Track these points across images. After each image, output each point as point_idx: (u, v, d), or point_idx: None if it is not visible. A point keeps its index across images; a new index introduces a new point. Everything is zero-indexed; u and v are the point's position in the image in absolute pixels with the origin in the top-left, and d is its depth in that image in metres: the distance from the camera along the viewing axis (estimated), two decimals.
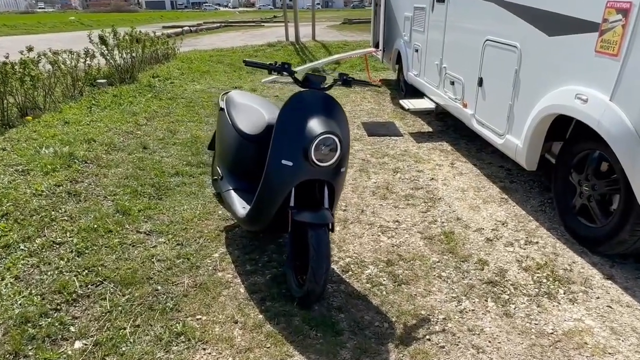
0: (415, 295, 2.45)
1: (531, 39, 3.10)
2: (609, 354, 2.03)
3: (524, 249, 2.88)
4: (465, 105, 4.31)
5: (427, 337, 2.14)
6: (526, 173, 4.06)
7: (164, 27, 20.95)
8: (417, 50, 5.85)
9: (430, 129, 5.57)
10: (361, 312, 2.32)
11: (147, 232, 3.08)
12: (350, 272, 2.67)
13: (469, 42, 4.15)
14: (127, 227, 3.12)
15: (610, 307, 2.35)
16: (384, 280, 2.59)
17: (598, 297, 2.42)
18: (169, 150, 4.60)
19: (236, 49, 11.31)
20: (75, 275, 2.55)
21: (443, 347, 2.08)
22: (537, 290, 2.49)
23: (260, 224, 2.51)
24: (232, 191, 2.86)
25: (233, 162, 2.94)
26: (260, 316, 2.28)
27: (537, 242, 2.96)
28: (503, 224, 3.21)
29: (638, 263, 2.70)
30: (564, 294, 2.46)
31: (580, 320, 2.25)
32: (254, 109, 2.99)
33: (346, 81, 2.47)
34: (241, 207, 2.68)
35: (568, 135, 3.11)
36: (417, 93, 6.32)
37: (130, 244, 2.91)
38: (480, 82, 3.92)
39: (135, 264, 2.69)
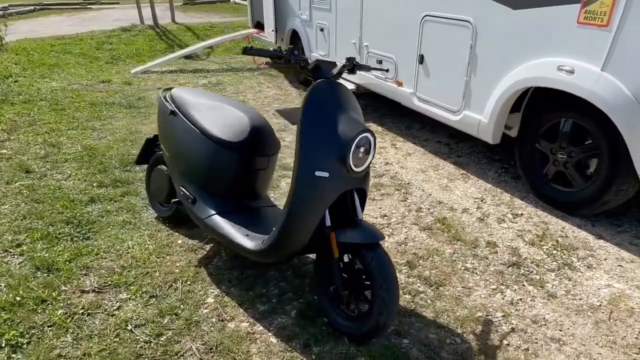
0: (459, 296, 2.26)
1: (489, 14, 3.08)
2: None
3: (516, 223, 2.92)
4: (400, 84, 4.22)
5: (505, 341, 1.97)
6: (466, 146, 4.19)
7: None
8: (322, 30, 5.57)
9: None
10: (423, 331, 2.03)
11: (97, 290, 2.27)
12: None
13: (400, 19, 4.03)
14: (65, 288, 2.26)
15: (621, 265, 2.49)
16: (419, 286, 2.34)
17: (605, 259, 2.56)
18: (63, 171, 3.55)
19: (83, 36, 9.46)
20: None
21: (527, 349, 1.93)
22: (555, 263, 2.52)
23: (285, 255, 2.00)
24: (216, 217, 2.25)
25: (209, 178, 2.32)
26: None
27: (522, 214, 3.03)
28: (482, 201, 3.21)
29: (609, 218, 2.95)
30: (578, 261, 2.54)
31: (610, 286, 2.33)
32: (225, 109, 2.38)
33: (354, 67, 2.07)
34: (243, 235, 2.12)
35: (524, 107, 3.23)
36: None
37: (83, 313, 2.10)
38: (422, 60, 3.85)
39: (107, 342, 1.94)
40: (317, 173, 1.81)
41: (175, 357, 1.88)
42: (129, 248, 2.62)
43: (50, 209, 2.95)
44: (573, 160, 2.88)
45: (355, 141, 1.81)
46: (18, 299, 2.13)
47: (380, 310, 1.79)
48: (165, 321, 2.07)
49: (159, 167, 2.85)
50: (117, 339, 1.96)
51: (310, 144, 1.82)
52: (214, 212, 2.28)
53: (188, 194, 2.38)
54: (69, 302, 2.16)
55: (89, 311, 2.11)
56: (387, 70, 2.30)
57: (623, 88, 2.37)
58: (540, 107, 3.06)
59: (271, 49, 1.93)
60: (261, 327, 2.05)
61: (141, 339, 1.96)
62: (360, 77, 4.92)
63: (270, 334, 2.02)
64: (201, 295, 2.25)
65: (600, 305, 2.19)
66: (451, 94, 3.57)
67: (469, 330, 2.04)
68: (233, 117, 2.34)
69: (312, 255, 2.42)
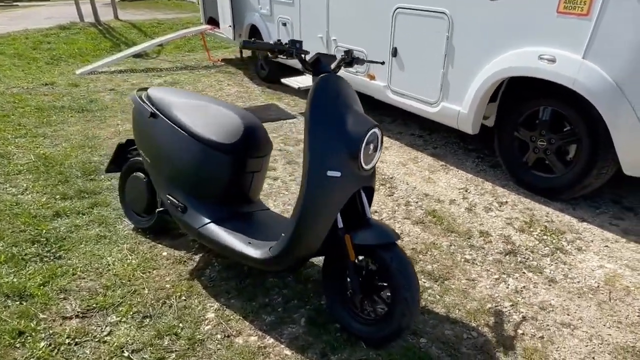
0: (465, 289, 2.25)
1: (466, 4, 3.10)
2: None
3: (503, 211, 2.97)
4: (372, 78, 4.18)
5: (519, 331, 1.98)
6: (439, 137, 4.23)
7: None
8: (284, 24, 5.42)
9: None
10: (438, 328, 2.00)
11: (81, 315, 2.05)
12: None
13: (371, 12, 3.98)
14: (43, 316, 2.01)
15: (607, 246, 2.59)
16: (425, 282, 2.30)
17: (592, 240, 2.65)
18: (17, 184, 3.20)
19: (16, 36, 8.67)
20: None
21: (542, 336, 1.95)
22: (548, 248, 2.58)
23: (295, 261, 1.88)
24: (212, 225, 2.10)
25: (200, 183, 2.16)
26: None
27: (506, 202, 3.08)
28: (466, 191, 3.24)
29: (587, 200, 3.07)
30: (568, 245, 2.61)
31: (603, 267, 2.41)
32: (212, 109, 2.22)
33: (352, 60, 1.99)
34: (245, 243, 1.98)
35: (500, 97, 3.29)
36: (285, 70, 5.95)
37: (70, 342, 1.88)
38: (395, 52, 3.83)
39: None
40: (329, 173, 1.71)
41: None
42: (110, 265, 2.39)
43: (10, 228, 2.65)
44: (553, 147, 2.97)
45: (366, 138, 1.73)
46: None
47: (403, 312, 1.72)
48: (166, 343, 1.90)
49: (135, 174, 2.62)
50: None
51: (320, 143, 1.71)
52: (208, 220, 2.12)
53: (177, 202, 2.20)
54: (51, 331, 1.93)
55: (76, 340, 1.89)
56: (382, 63, 2.24)
57: (605, 75, 2.45)
58: (519, 96, 3.12)
59: (270, 42, 1.79)
60: (272, 340, 1.93)
61: None
62: None
63: (282, 346, 1.90)
64: (200, 311, 2.09)
65: (598, 286, 2.26)
66: (428, 86, 3.58)
67: (482, 322, 2.03)
68: (222, 116, 2.18)
69: (313, 259, 2.32)
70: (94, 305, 2.10)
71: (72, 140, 4.07)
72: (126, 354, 1.84)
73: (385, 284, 1.86)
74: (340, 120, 1.73)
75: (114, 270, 2.35)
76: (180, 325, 2.00)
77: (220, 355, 1.84)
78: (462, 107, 3.33)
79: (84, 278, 2.29)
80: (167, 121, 2.21)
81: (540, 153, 3.05)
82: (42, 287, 2.19)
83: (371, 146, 1.77)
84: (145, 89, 2.49)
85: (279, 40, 1.82)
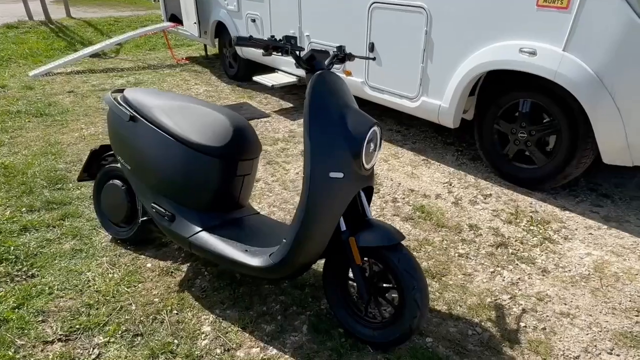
0: (463, 284, 2.24)
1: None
2: (635, 274, 2.29)
3: (489, 204, 3.00)
4: (348, 74, 4.13)
5: (521, 324, 1.99)
6: (417, 132, 4.25)
7: None
8: (254, 21, 5.29)
9: (291, 104, 5.22)
10: (442, 326, 1.98)
11: (64, 338, 1.89)
12: None
13: (345, 7, 3.92)
14: (21, 342, 1.84)
15: (591, 233, 2.66)
16: None
17: (576, 229, 2.71)
18: None
19: None
20: None
21: (544, 328, 1.96)
22: (536, 238, 2.61)
23: (299, 268, 1.80)
24: (204, 233, 1.98)
25: (189, 190, 2.04)
26: None
27: (490, 195, 3.11)
28: (450, 185, 3.26)
29: (565, 190, 3.15)
30: (554, 234, 2.66)
31: (590, 254, 2.47)
32: (197, 110, 2.10)
33: (345, 56, 1.93)
34: (242, 251, 1.88)
35: (478, 90, 3.33)
36: (255, 68, 5.82)
37: None
38: (372, 48, 3.79)
39: None
40: (332, 174, 1.64)
41: None
42: (90, 281, 2.23)
43: None
44: (534, 138, 3.02)
45: (368, 136, 1.68)
46: None
47: (413, 313, 1.68)
48: None
49: (112, 182, 2.46)
50: None
51: (321, 144, 1.64)
52: (199, 228, 2.00)
53: (163, 210, 2.07)
54: (32, 359, 1.76)
55: None
56: (373, 59, 2.18)
57: (586, 67, 2.50)
58: (498, 89, 3.15)
59: (265, 38, 1.70)
60: (275, 350, 1.85)
61: None
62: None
63: (287, 356, 1.82)
64: (195, 325, 1.97)
65: (589, 274, 2.31)
66: (407, 81, 3.56)
67: (484, 317, 2.02)
68: (209, 118, 2.07)
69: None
70: (77, 326, 1.94)
71: (32, 148, 3.80)
72: None
73: (389, 285, 1.82)
74: (340, 119, 1.67)
75: (96, 287, 2.19)
76: (175, 341, 1.88)
77: None
78: (442, 101, 3.34)
79: (62, 297, 2.12)
80: (149, 125, 2.07)
81: (521, 145, 3.10)
82: (16, 310, 2.01)
83: (372, 145, 1.72)
84: (121, 90, 2.34)
85: (272, 36, 1.73)
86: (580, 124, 2.73)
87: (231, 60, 6.27)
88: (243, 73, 6.13)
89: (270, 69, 5.41)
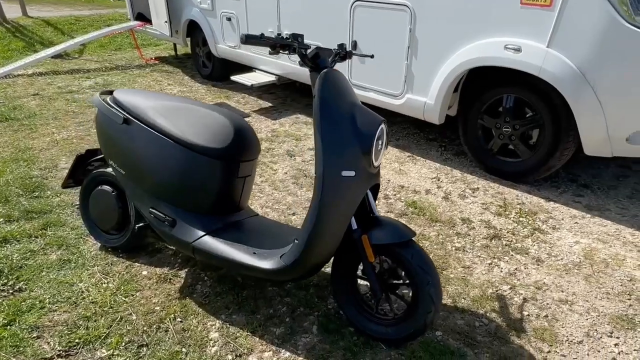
0: (464, 277, 2.29)
1: None
2: (622, 260, 2.41)
3: (477, 197, 3.07)
4: None
5: (524, 312, 2.04)
6: (399, 129, 4.30)
7: None
8: (229, 19, 5.19)
9: (270, 104, 5.17)
10: (450, 320, 2.01)
11: (64, 354, 1.80)
12: None
13: (326, 5, 3.92)
14: None
15: (577, 222, 2.77)
16: None
17: (562, 218, 2.82)
18: None
19: None
20: None
21: (546, 315, 2.03)
22: (526, 229, 2.70)
23: (312, 268, 1.78)
24: (207, 238, 1.93)
25: (190, 193, 1.98)
26: None
27: (478, 188, 3.19)
28: (438, 180, 3.31)
29: (547, 182, 3.27)
30: (543, 224, 2.75)
31: (579, 242, 2.57)
32: (194, 111, 2.04)
33: (346, 54, 1.93)
34: (250, 254, 1.85)
35: (461, 87, 3.40)
36: (230, 67, 5.73)
37: None
38: (355, 46, 3.80)
39: None
40: (344, 173, 1.64)
41: None
42: (83, 292, 2.13)
43: None
44: (517, 132, 3.11)
45: (377, 134, 1.68)
46: None
47: (427, 308, 1.70)
48: None
49: (100, 188, 2.36)
50: None
51: (332, 143, 1.63)
52: (202, 232, 1.95)
53: (163, 215, 2.00)
54: None
55: None
56: (372, 56, 2.18)
57: (569, 62, 2.60)
58: (482, 85, 3.23)
59: (269, 37, 1.67)
60: (288, 353, 1.82)
61: None
62: (282, 68, 4.72)
63: (300, 358, 1.80)
64: (201, 332, 1.92)
65: (580, 261, 2.40)
66: (391, 78, 3.60)
67: (489, 308, 2.07)
68: (208, 119, 2.01)
69: None
70: (76, 340, 1.85)
71: (1, 154, 3.59)
72: None
73: (400, 282, 1.83)
74: (350, 117, 1.67)
75: (90, 298, 2.09)
76: (184, 350, 1.82)
77: None
78: (428, 98, 3.39)
79: (55, 311, 2.01)
80: (145, 127, 1.99)
81: (505, 139, 3.19)
82: (7, 327, 1.89)
83: (380, 142, 1.73)
84: (109, 92, 2.24)
85: (279, 34, 1.70)
86: (562, 117, 2.83)
87: (205, 60, 6.14)
88: (218, 73, 6.02)
89: (247, 69, 5.33)
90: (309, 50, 1.74)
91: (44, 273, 2.26)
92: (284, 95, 5.49)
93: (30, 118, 4.48)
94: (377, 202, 3.00)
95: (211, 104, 2.17)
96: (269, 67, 4.94)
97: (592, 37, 2.50)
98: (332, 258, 1.91)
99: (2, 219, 2.68)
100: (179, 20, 6.07)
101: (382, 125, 1.73)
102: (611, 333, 1.93)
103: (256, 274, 1.83)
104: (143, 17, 7.41)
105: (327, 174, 1.62)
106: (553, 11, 2.58)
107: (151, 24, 6.86)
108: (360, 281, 1.95)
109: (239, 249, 1.87)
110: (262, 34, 1.63)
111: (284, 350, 1.83)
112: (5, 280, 2.18)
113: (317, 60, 1.74)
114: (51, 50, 6.84)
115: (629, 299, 2.12)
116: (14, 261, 2.32)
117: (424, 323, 1.72)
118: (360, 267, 1.90)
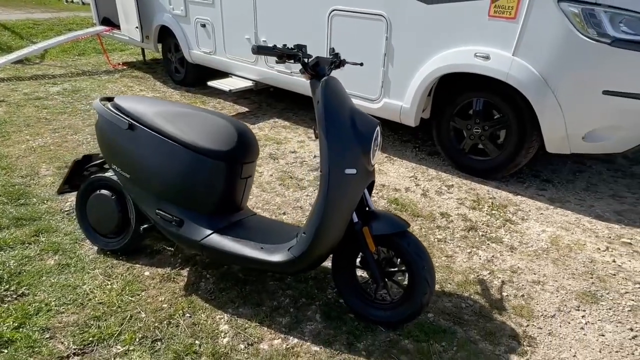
0: (448, 265, 2.50)
1: (403, 8, 3.37)
2: (583, 245, 2.70)
3: (452, 193, 3.32)
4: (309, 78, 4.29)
5: (504, 293, 2.28)
6: None
7: None
8: (204, 26, 5.26)
9: (246, 109, 5.27)
10: (439, 303, 2.21)
11: (80, 352, 1.86)
12: None
13: (303, 13, 4.08)
14: None
15: (542, 213, 3.07)
16: None
17: (529, 210, 3.11)
18: None
19: None
20: None
21: (522, 295, 2.27)
22: (499, 221, 2.96)
23: (317, 259, 1.93)
24: (215, 236, 2.05)
25: (195, 195, 2.09)
26: None
27: (453, 185, 3.44)
28: (416, 178, 3.54)
29: (513, 177, 3.57)
30: (513, 216, 3.03)
31: (545, 231, 2.85)
32: (197, 116, 2.15)
33: (340, 62, 2.11)
34: (258, 249, 1.98)
35: (433, 91, 3.66)
36: (203, 73, 5.79)
37: None
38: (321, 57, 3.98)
39: None
40: (347, 171, 1.80)
41: None
42: (88, 294, 2.18)
43: None
44: (487, 133, 3.39)
45: (374, 134, 1.86)
46: None
47: (423, 290, 1.88)
48: None
49: (99, 193, 2.41)
50: None
51: (336, 144, 1.79)
52: (209, 231, 2.06)
53: (170, 216, 2.09)
54: None
55: None
56: (361, 64, 2.36)
57: (532, 69, 2.89)
58: (453, 89, 3.49)
59: (276, 46, 1.82)
60: (296, 340, 1.96)
61: None
62: (260, 73, 4.84)
63: (308, 343, 1.94)
64: (211, 325, 2.03)
65: (547, 247, 2.68)
66: (369, 84, 3.80)
67: (472, 292, 2.29)
68: (211, 123, 2.12)
69: None
70: (90, 339, 1.91)
71: None
72: None
73: (396, 269, 2.01)
74: (350, 121, 1.84)
75: (97, 299, 2.15)
76: (197, 342, 1.92)
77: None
78: (404, 102, 3.61)
79: (63, 313, 2.06)
80: (150, 132, 2.08)
81: (476, 139, 3.46)
82: (18, 330, 1.93)
83: (376, 143, 1.91)
84: (109, 98, 2.31)
85: (284, 45, 1.85)
86: (527, 118, 3.12)
87: (177, 66, 6.15)
88: (191, 78, 6.05)
89: (222, 74, 5.41)
90: (310, 59, 1.90)
91: (44, 278, 2.28)
92: (258, 100, 5.60)
93: (0, 125, 4.38)
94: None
95: (212, 110, 2.28)
96: (245, 72, 5.04)
97: (551, 46, 2.79)
98: (333, 252, 2.07)
99: None
100: (150, 26, 6.06)
101: (378, 128, 1.91)
102: (578, 307, 2.19)
103: (265, 268, 1.96)
104: (109, 22, 7.32)
105: (333, 172, 1.78)
106: (517, 23, 2.86)
107: (118, 28, 6.79)
108: (358, 272, 2.11)
109: (247, 245, 1.99)
110: (275, 45, 1.78)
111: (292, 337, 1.97)
112: (7, 286, 2.19)
113: (317, 68, 1.90)
114: (14, 55, 6.63)
115: (591, 278, 2.40)
116: (11, 268, 2.33)
117: (420, 304, 1.91)
118: (359, 258, 2.06)
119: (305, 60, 1.89)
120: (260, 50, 1.74)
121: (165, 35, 6.06)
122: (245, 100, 5.60)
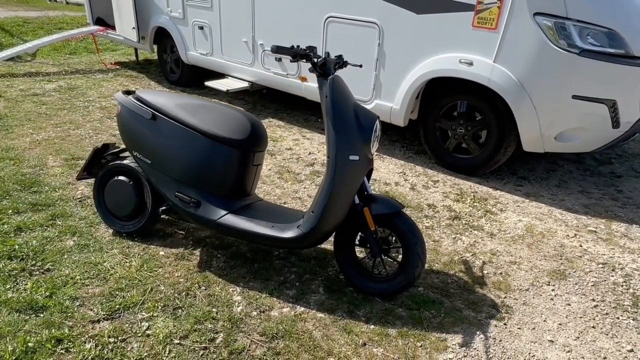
0: (435, 248, 2.78)
1: (395, 17, 3.67)
2: (554, 232, 3.02)
3: (438, 188, 3.61)
4: (304, 80, 4.56)
5: (485, 272, 2.56)
6: None
7: None
8: (202, 28, 5.48)
9: (241, 108, 5.49)
10: (428, 279, 2.48)
11: (109, 317, 2.06)
12: None
13: (301, 19, 4.34)
14: (69, 323, 1.98)
15: (519, 205, 3.38)
16: None
17: (507, 203, 3.42)
18: None
19: None
20: None
21: (501, 273, 2.56)
22: (480, 212, 3.26)
23: (323, 235, 2.18)
24: (230, 216, 2.28)
25: (212, 179, 2.32)
26: (376, 328, 2.11)
27: (438, 181, 3.74)
28: (404, 174, 3.83)
29: (493, 174, 3.89)
30: (493, 207, 3.33)
31: (521, 220, 3.17)
32: (214, 108, 2.39)
33: (343, 63, 2.38)
34: (270, 227, 2.22)
35: (421, 94, 3.96)
36: (198, 74, 6.00)
37: (115, 341, 1.90)
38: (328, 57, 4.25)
39: None
40: (351, 157, 2.06)
41: (243, 352, 1.91)
42: (109, 270, 2.38)
43: None
44: (470, 133, 3.70)
45: (374, 126, 2.13)
46: (30, 345, 1.80)
47: (416, 263, 2.15)
48: (209, 326, 2.04)
49: (117, 179, 2.61)
50: (173, 355, 1.86)
51: (342, 134, 2.05)
52: (225, 211, 2.28)
53: (188, 198, 2.31)
54: (89, 335, 1.92)
55: (119, 338, 1.92)
56: (360, 66, 2.63)
57: (510, 75, 3.21)
58: (439, 93, 3.79)
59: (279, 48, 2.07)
60: (303, 308, 2.20)
61: (197, 348, 1.91)
62: (257, 75, 5.08)
63: (314, 311, 2.18)
64: (226, 296, 2.25)
65: (523, 234, 2.99)
66: (362, 86, 4.08)
67: (457, 270, 2.57)
68: (227, 115, 2.36)
69: None
70: (116, 307, 2.11)
71: None
72: (176, 341, 1.94)
73: (391, 246, 2.27)
74: (354, 114, 2.10)
75: (118, 274, 2.34)
76: (214, 310, 2.14)
77: (265, 326, 2.05)
78: (394, 103, 3.91)
79: (89, 285, 2.25)
80: (172, 122, 2.30)
81: (459, 139, 3.77)
82: (50, 298, 2.11)
83: (375, 134, 2.17)
84: (130, 92, 2.52)
85: (297, 46, 2.11)
86: (505, 120, 3.45)
87: (173, 66, 6.34)
88: (186, 79, 6.24)
89: (216, 75, 5.62)
90: (318, 60, 2.16)
91: (65, 256, 2.46)
92: (253, 101, 5.83)
93: (1, 120, 4.50)
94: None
95: (225, 103, 2.51)
96: (242, 74, 5.27)
97: (528, 55, 3.12)
98: (335, 231, 2.32)
99: (10, 211, 2.82)
100: (147, 27, 6.24)
101: (377, 121, 2.18)
102: (549, 282, 2.49)
103: (276, 244, 2.20)
104: (102, 22, 7.46)
105: (339, 157, 2.04)
106: (498, 33, 3.19)
107: (112, 28, 6.95)
108: (356, 250, 2.36)
109: (259, 224, 2.23)
110: (293, 46, 2.03)
111: (299, 306, 2.21)
112: (33, 262, 2.37)
113: (324, 67, 2.16)
114: (8, 52, 6.72)
115: (561, 259, 2.71)
116: (34, 246, 2.50)
117: (413, 276, 2.17)
118: (358, 238, 2.32)
119: (315, 60, 2.14)
120: (278, 49, 1.99)
121: (162, 37, 6.24)
122: (239, 100, 5.82)
